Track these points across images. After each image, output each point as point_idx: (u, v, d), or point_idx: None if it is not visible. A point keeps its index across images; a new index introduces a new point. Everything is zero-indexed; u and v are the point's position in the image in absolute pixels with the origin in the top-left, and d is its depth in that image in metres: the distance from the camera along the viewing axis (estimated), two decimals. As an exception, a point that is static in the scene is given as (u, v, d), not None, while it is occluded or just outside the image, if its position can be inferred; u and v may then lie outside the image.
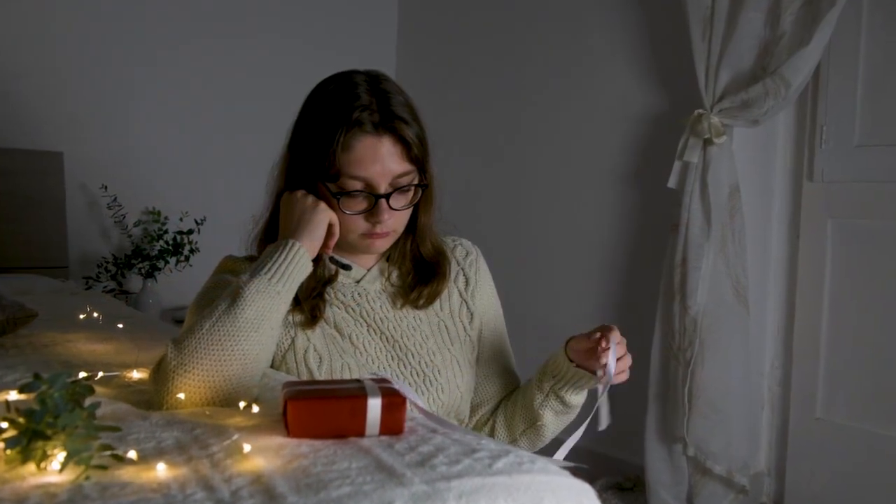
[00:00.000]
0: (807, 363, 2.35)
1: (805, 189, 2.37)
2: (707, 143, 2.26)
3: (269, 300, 1.00)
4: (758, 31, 2.19)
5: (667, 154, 2.44)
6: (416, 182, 1.17)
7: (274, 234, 1.18)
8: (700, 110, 2.27)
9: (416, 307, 1.24)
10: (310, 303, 1.18)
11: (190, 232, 2.99)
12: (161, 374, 0.96)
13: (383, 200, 1.13)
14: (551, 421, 1.26)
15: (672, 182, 2.35)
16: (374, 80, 1.16)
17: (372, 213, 1.14)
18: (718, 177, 2.24)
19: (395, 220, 1.16)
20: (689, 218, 2.27)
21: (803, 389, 2.36)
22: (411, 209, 1.20)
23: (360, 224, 1.15)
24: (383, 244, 1.19)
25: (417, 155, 1.14)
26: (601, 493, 2.52)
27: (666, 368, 2.35)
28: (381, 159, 1.11)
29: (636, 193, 2.71)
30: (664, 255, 2.39)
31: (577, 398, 1.25)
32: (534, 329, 2.93)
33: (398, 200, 1.16)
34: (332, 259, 1.20)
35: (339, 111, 1.12)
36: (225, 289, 1.05)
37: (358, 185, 1.12)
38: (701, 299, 2.24)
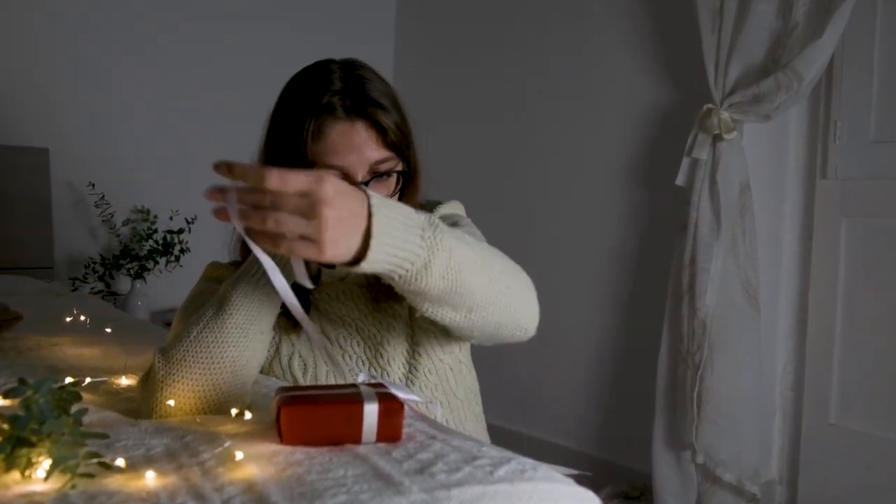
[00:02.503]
0: (820, 367, 2.35)
1: (818, 187, 2.37)
2: (716, 139, 2.26)
3: (257, 303, 1.00)
4: (769, 23, 2.19)
5: (675, 150, 2.44)
6: (397, 169, 1.15)
7: None
8: (709, 105, 2.27)
9: (396, 298, 1.20)
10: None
11: (180, 231, 2.99)
12: (149, 384, 0.96)
13: None
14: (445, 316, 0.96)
15: (680, 180, 2.35)
16: (350, 67, 1.15)
17: None
18: (728, 174, 2.24)
19: None
20: (698, 217, 2.27)
21: (817, 394, 2.36)
22: (396, 199, 1.19)
23: None
24: None
25: (395, 141, 1.13)
26: (607, 501, 2.52)
27: (674, 373, 2.35)
28: (357, 147, 1.10)
29: (643, 191, 2.71)
30: (672, 255, 2.39)
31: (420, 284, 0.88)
32: (535, 333, 2.93)
33: (378, 189, 1.14)
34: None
35: (310, 99, 1.11)
36: (210, 296, 1.05)
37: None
38: (710, 301, 2.24)
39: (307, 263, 0.94)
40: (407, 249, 0.84)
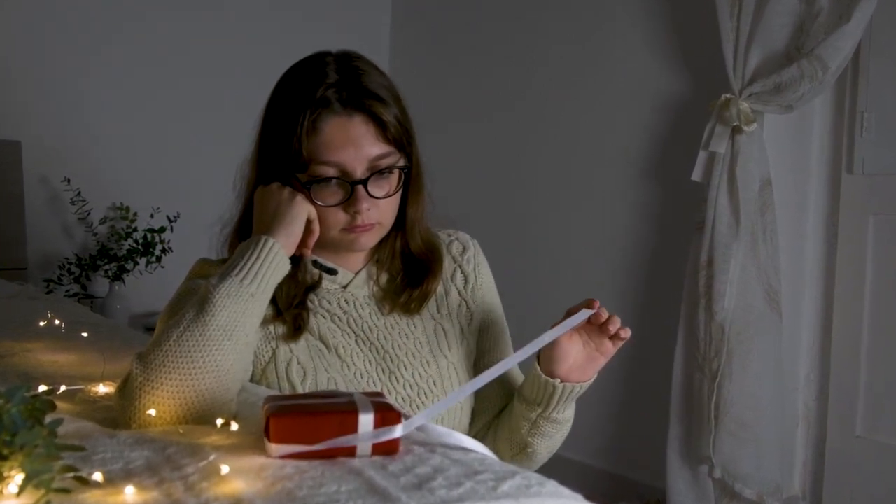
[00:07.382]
0: (846, 375, 2.35)
1: (844, 182, 2.37)
2: (735, 131, 2.26)
3: (241, 304, 1.00)
4: (792, 8, 2.19)
5: (690, 143, 2.44)
6: (399, 164, 1.16)
7: (248, 233, 1.17)
8: (728, 95, 2.27)
9: (407, 312, 1.24)
10: (292, 312, 1.18)
11: (162, 230, 2.99)
12: (126, 392, 0.95)
13: (360, 187, 1.12)
14: (543, 445, 1.27)
15: (696, 175, 2.35)
16: (345, 58, 1.16)
17: (349, 202, 1.13)
18: (748, 169, 2.25)
19: (378, 211, 1.16)
20: (716, 214, 2.27)
21: (842, 405, 2.36)
22: (398, 201, 1.20)
23: (340, 217, 1.15)
24: (369, 239, 1.19)
25: (395, 135, 1.14)
26: (618, 519, 2.52)
27: (690, 381, 2.36)
28: (354, 141, 1.11)
29: (656, 187, 2.71)
30: (687, 255, 2.39)
31: (570, 412, 1.27)
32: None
33: (379, 187, 1.15)
34: (315, 263, 1.20)
35: (304, 92, 1.12)
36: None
37: (331, 172, 1.12)
38: (729, 305, 2.24)
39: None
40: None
